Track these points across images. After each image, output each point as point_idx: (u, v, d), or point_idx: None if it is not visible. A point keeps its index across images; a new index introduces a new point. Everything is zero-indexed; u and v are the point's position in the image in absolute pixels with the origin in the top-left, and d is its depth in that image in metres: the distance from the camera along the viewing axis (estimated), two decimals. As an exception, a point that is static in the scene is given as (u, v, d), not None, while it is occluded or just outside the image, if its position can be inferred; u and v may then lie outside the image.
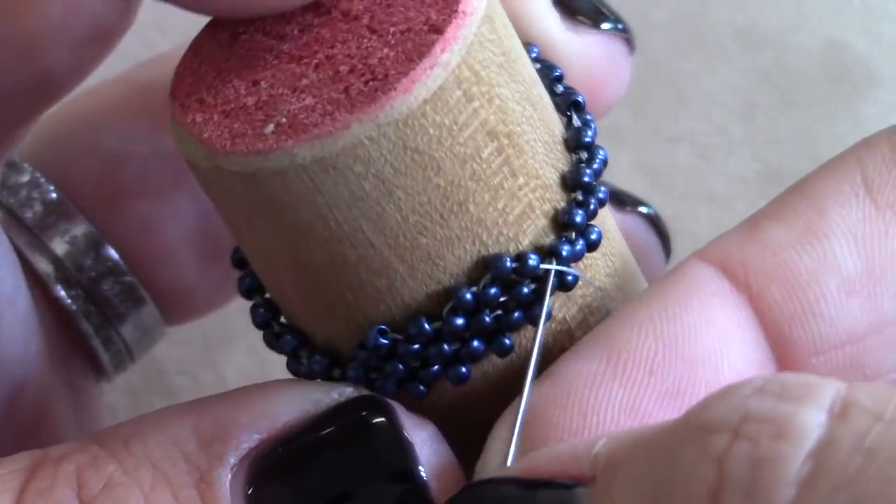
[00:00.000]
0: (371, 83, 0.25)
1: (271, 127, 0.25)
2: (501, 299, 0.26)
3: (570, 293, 0.27)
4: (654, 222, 0.34)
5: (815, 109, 0.52)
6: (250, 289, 0.29)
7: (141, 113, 0.32)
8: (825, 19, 0.53)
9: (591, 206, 0.27)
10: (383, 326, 0.26)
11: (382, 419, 0.26)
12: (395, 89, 0.24)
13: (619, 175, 0.53)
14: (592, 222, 0.27)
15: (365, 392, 0.27)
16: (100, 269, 0.34)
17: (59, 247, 0.33)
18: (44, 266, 0.33)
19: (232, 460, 0.25)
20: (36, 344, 0.33)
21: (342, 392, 0.26)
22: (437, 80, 0.24)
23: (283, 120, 0.25)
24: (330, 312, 0.27)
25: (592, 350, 0.26)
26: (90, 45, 0.26)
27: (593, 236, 0.27)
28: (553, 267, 0.26)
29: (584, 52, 0.30)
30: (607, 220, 0.29)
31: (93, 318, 0.34)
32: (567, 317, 0.28)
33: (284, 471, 0.25)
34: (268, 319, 0.28)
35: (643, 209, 0.33)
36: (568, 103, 0.28)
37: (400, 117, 0.24)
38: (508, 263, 0.26)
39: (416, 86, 0.24)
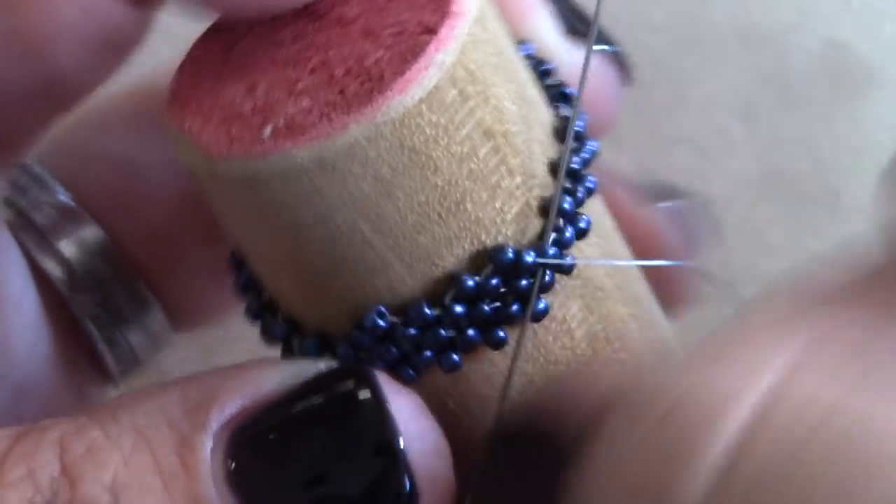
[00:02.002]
0: (366, 84, 0.25)
1: (269, 130, 0.25)
2: (502, 290, 0.27)
3: (568, 292, 0.27)
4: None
5: (815, 109, 0.52)
6: (246, 286, 0.29)
7: (155, 121, 0.32)
8: (825, 19, 0.53)
9: (579, 195, 0.27)
10: (382, 308, 0.26)
11: (365, 390, 0.26)
12: (390, 90, 0.24)
13: (619, 175, 0.53)
14: (581, 211, 0.27)
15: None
16: (108, 274, 0.34)
17: (69, 250, 0.33)
18: (52, 268, 0.33)
19: (215, 426, 0.25)
20: (43, 346, 0.33)
21: (328, 364, 0.26)
22: (432, 80, 0.25)
23: (281, 123, 0.25)
24: (332, 312, 0.27)
25: None
26: (103, 51, 0.26)
27: (582, 224, 0.27)
28: (547, 261, 0.27)
29: (578, 64, 0.30)
30: (604, 219, 0.29)
31: (99, 322, 0.34)
32: (567, 316, 0.28)
33: (265, 438, 0.25)
34: (258, 308, 0.28)
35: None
36: (557, 94, 0.29)
37: (396, 117, 0.24)
38: (510, 255, 0.26)
39: (412, 86, 0.25)
